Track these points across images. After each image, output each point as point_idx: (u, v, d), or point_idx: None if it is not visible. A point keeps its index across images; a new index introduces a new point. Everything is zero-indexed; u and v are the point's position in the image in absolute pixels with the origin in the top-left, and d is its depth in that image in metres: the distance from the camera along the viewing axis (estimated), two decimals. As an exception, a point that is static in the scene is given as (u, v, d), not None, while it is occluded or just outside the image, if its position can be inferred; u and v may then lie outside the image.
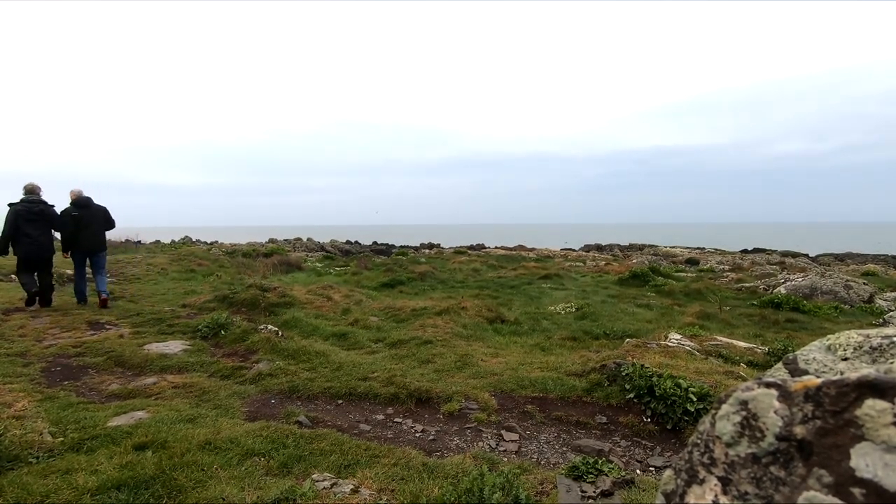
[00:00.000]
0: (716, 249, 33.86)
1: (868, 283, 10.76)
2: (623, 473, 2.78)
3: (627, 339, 5.60)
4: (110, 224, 8.06)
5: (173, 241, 26.63)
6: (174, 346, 5.41)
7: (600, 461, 2.86)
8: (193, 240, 29.99)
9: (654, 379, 3.81)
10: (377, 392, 4.10)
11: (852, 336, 1.23)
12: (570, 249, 32.52)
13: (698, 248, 33.64)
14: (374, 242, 37.13)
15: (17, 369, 4.49)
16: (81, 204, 7.69)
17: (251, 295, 7.75)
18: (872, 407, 0.67)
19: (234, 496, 2.36)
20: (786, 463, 0.71)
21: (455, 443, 3.39)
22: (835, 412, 0.69)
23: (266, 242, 27.54)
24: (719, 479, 0.77)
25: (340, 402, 4.04)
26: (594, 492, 2.55)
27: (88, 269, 7.99)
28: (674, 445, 3.45)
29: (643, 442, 3.51)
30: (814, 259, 25.73)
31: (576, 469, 2.77)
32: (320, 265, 16.77)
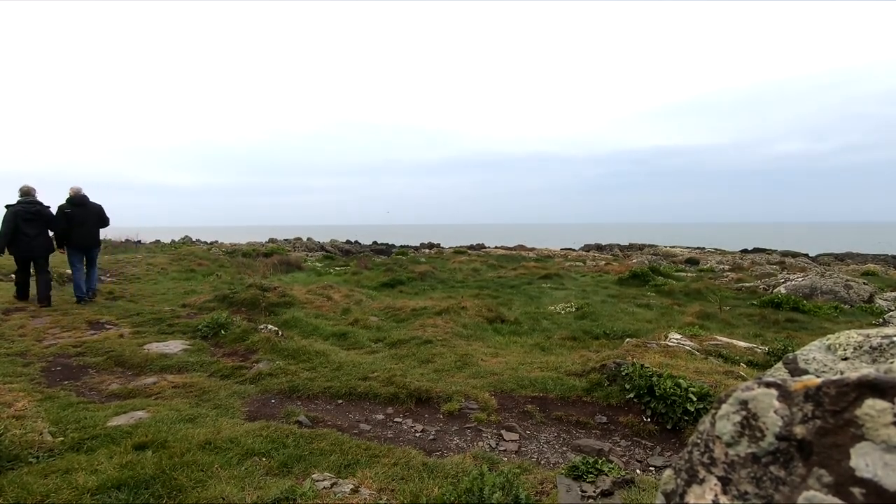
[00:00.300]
0: (716, 249, 33.84)
1: (868, 283, 10.76)
2: (623, 473, 2.78)
3: (627, 339, 5.60)
4: (104, 222, 8.27)
5: (173, 241, 26.63)
6: (174, 346, 5.42)
7: (600, 461, 2.86)
8: (193, 239, 29.98)
9: (654, 379, 3.81)
10: (377, 392, 4.10)
11: (852, 336, 1.23)
12: (570, 249, 32.52)
13: (698, 248, 33.62)
14: (374, 242, 37.14)
15: (17, 369, 4.49)
16: (77, 202, 7.89)
17: (251, 295, 7.75)
18: (872, 407, 0.67)
19: (234, 496, 2.36)
20: (786, 463, 0.71)
21: (455, 442, 3.39)
22: (835, 412, 0.69)
23: (266, 242, 27.53)
24: (719, 478, 0.77)
25: (340, 401, 4.05)
26: (594, 491, 2.55)
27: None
28: (674, 445, 3.45)
29: (643, 442, 3.51)
30: (814, 259, 25.72)
31: (576, 469, 2.77)
32: (320, 265, 16.77)
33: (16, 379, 4.19)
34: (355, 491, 2.43)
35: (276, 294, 8.03)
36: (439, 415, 3.82)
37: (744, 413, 0.78)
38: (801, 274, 12.11)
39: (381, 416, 3.79)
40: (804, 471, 0.69)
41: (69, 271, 8.21)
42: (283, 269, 13.91)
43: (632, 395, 3.88)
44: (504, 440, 3.45)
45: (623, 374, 4.09)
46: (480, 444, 3.37)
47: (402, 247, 31.96)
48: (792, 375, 1.19)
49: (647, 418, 3.71)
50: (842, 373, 1.10)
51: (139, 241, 22.25)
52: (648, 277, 12.08)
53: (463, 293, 9.85)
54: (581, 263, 18.80)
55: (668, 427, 3.60)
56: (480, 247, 31.86)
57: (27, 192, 7.53)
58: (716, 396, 3.15)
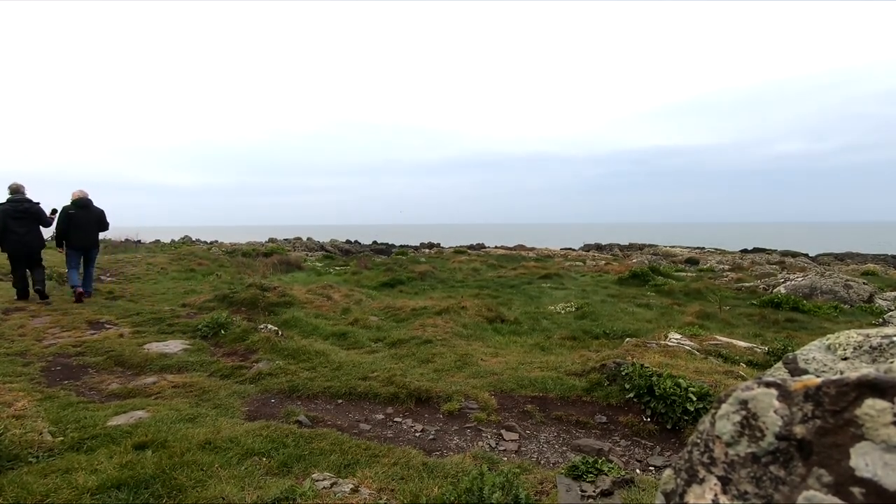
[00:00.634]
0: (716, 249, 33.83)
1: (868, 283, 10.76)
2: (623, 473, 2.78)
3: (627, 339, 5.60)
4: (104, 226, 8.44)
5: (173, 241, 26.63)
6: (174, 346, 5.42)
7: (600, 461, 2.86)
8: (193, 239, 29.98)
9: (654, 378, 3.81)
10: (377, 391, 4.10)
11: (852, 336, 1.23)
12: (569, 249, 32.51)
13: (698, 248, 33.60)
14: (374, 242, 37.13)
15: (17, 369, 4.49)
16: (81, 204, 8.03)
17: (251, 294, 7.76)
18: (872, 406, 0.67)
19: (234, 496, 2.36)
20: (785, 462, 0.71)
21: (455, 442, 3.39)
22: (834, 412, 0.69)
23: (266, 242, 27.52)
24: (719, 478, 0.77)
25: (340, 401, 4.05)
26: (594, 491, 2.55)
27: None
28: (673, 445, 3.45)
29: (643, 441, 3.51)
30: (814, 259, 25.71)
31: (575, 468, 2.77)
32: (320, 265, 16.76)
33: (16, 379, 4.19)
34: (355, 491, 2.43)
35: (275, 294, 8.03)
36: (439, 414, 3.82)
37: (744, 413, 0.78)
38: (801, 274, 12.11)
39: (380, 416, 3.79)
40: (804, 470, 0.69)
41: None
42: (282, 269, 13.91)
43: (632, 394, 3.88)
44: (504, 440, 3.45)
45: (623, 373, 4.09)
46: (480, 443, 3.37)
47: (401, 246, 31.96)
48: (792, 375, 1.19)
49: (646, 418, 3.71)
50: (842, 373, 1.10)
51: (139, 241, 22.25)
52: (648, 277, 12.08)
53: (463, 293, 9.85)
54: (581, 263, 18.80)
55: (668, 427, 3.60)
56: (480, 246, 31.85)
57: (16, 190, 7.64)
58: (715, 396, 3.15)
